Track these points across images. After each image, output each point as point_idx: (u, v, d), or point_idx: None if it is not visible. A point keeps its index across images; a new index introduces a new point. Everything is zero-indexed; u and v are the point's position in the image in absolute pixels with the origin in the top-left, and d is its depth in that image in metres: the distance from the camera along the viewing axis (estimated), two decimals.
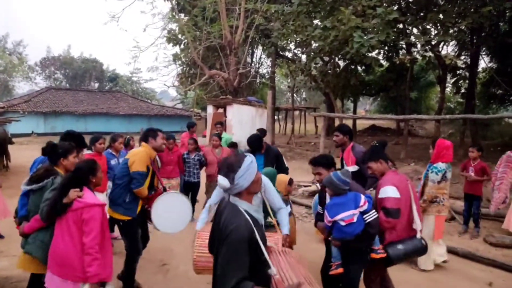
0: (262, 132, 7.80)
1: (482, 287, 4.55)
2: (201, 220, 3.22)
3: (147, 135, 3.98)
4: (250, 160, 2.04)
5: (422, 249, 3.36)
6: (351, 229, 2.98)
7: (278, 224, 3.12)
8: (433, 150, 4.99)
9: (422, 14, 14.00)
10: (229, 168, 1.99)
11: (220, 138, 7.05)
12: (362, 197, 3.06)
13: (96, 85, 49.98)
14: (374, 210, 3.06)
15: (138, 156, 3.85)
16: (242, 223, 1.90)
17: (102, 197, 4.02)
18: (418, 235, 3.35)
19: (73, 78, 48.44)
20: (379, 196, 3.32)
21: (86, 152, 5.43)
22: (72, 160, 3.40)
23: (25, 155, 12.12)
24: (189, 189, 6.83)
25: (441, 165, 4.84)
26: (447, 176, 4.94)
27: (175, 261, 5.08)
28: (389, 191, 3.24)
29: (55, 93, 31.59)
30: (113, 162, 5.53)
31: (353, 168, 4.32)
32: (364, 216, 3.01)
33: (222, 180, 1.96)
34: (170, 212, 3.82)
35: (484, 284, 4.61)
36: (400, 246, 3.23)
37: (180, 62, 24.15)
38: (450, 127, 25.92)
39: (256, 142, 5.18)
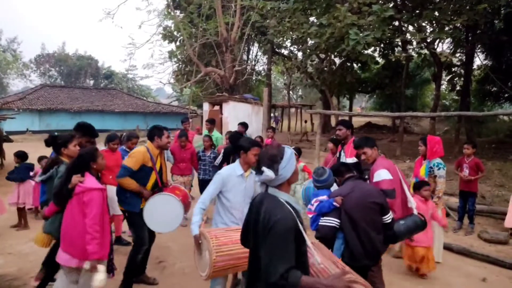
0: (244, 126, 7.91)
1: (476, 283, 4.59)
2: (196, 224, 3.09)
3: (154, 134, 4.03)
4: (290, 151, 2.07)
5: (422, 225, 3.50)
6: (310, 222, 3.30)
7: None
8: (424, 147, 5.11)
9: (417, 11, 14.03)
10: (272, 159, 2.01)
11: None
12: (322, 197, 3.32)
13: (91, 82, 49.76)
14: (329, 218, 3.17)
15: (133, 155, 3.95)
16: (286, 213, 1.91)
17: (115, 191, 4.10)
18: (415, 212, 3.53)
19: (68, 75, 48.19)
20: (374, 180, 3.46)
21: (101, 148, 5.58)
22: (72, 148, 3.71)
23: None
24: (205, 187, 6.75)
25: (440, 160, 4.99)
26: None
27: (172, 258, 5.09)
28: (382, 174, 3.41)
29: (50, 90, 31.42)
30: None
31: (351, 160, 4.50)
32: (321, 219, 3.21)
33: (268, 172, 1.97)
34: (161, 212, 3.83)
35: (478, 279, 4.66)
36: (401, 222, 3.40)
37: (176, 59, 24.06)
38: (445, 124, 26.06)
39: (235, 139, 5.25)
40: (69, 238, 3.14)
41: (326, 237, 3.14)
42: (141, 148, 4.05)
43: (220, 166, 5.48)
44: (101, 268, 3.06)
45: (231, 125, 15.34)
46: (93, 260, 3.01)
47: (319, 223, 3.21)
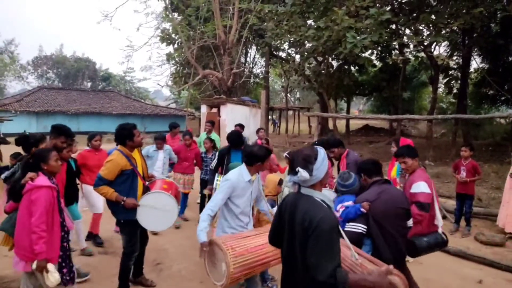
0: (241, 127, 7.96)
1: (473, 285, 4.61)
2: (203, 231, 3.04)
3: (123, 137, 3.79)
4: (323, 152, 2.09)
5: (443, 243, 3.60)
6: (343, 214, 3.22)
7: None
8: (396, 149, 5.21)
9: (414, 15, 14.12)
10: (307, 160, 2.02)
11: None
12: (345, 203, 3.25)
13: (89, 84, 49.69)
14: (356, 224, 3.11)
15: (106, 165, 3.71)
16: (327, 213, 1.93)
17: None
18: (440, 230, 3.63)
19: (66, 78, 48.11)
20: (412, 190, 3.48)
21: (85, 148, 5.59)
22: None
23: None
24: (205, 187, 6.78)
25: None
26: None
27: (169, 260, 5.08)
28: (421, 186, 3.45)
29: (47, 92, 31.35)
30: None
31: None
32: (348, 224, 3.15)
33: (303, 173, 1.97)
34: (154, 211, 3.74)
35: (475, 281, 4.67)
36: (425, 239, 3.48)
37: (173, 61, 24.10)
38: (442, 127, 26.15)
39: (237, 139, 5.25)
40: (16, 239, 3.09)
41: (353, 242, 3.10)
42: (113, 154, 3.76)
43: (215, 169, 5.46)
44: (51, 267, 2.99)
45: (229, 127, 15.34)
46: (41, 260, 2.94)
47: (345, 229, 3.09)
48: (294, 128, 28.17)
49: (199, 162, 6.82)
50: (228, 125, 15.74)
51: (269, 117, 25.32)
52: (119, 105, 31.99)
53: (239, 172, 3.33)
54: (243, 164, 3.40)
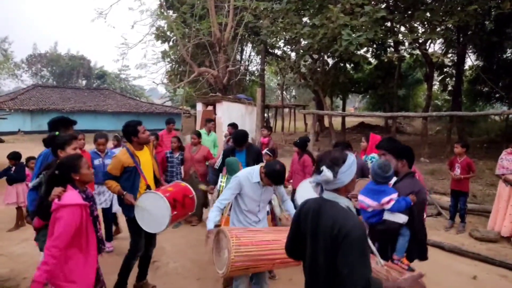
0: (234, 127, 7.84)
1: (467, 281, 4.65)
2: (213, 219, 3.15)
3: (129, 134, 3.86)
4: (353, 159, 2.03)
5: None
6: (368, 215, 3.22)
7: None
8: (366, 143, 5.72)
9: (409, 12, 14.15)
10: (334, 161, 1.96)
11: (199, 136, 6.73)
12: (392, 195, 3.13)
13: (84, 82, 49.41)
14: (399, 214, 3.08)
15: (112, 161, 3.92)
16: (356, 220, 1.87)
17: None
18: None
19: (60, 76, 47.83)
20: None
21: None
22: (70, 152, 3.23)
23: None
24: None
25: (375, 155, 5.27)
26: None
27: (165, 258, 5.09)
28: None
29: (42, 90, 31.17)
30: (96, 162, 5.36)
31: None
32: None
33: (327, 172, 1.92)
34: (149, 212, 3.67)
35: (469, 277, 4.71)
36: None
37: (169, 59, 23.97)
38: (437, 124, 26.28)
39: (242, 138, 5.19)
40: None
41: (391, 232, 3.11)
42: (120, 151, 3.96)
43: (220, 169, 5.37)
44: None
45: (225, 125, 15.32)
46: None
47: (386, 218, 3.10)
48: (290, 126, 28.17)
49: (164, 164, 6.44)
50: (224, 123, 15.72)
51: (265, 115, 25.29)
52: (114, 103, 31.87)
53: (249, 172, 3.38)
54: (258, 165, 3.43)
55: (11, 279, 4.33)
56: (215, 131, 9.14)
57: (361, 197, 3.34)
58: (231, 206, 3.88)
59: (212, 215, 3.22)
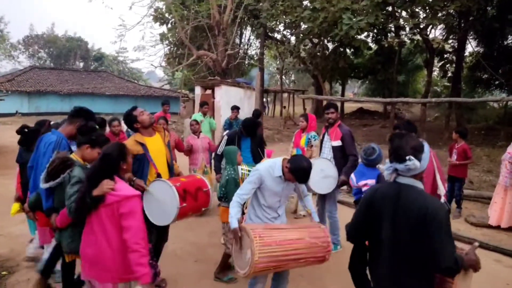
0: (237, 110, 8.09)
1: None
2: (235, 216, 2.96)
3: (130, 121, 3.73)
4: (426, 145, 2.23)
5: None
6: (354, 191, 3.87)
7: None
8: (305, 123, 5.91)
9: None
10: (417, 149, 2.07)
11: (198, 123, 6.40)
12: (369, 180, 3.71)
13: (81, 64, 48.95)
14: None
15: None
16: (439, 202, 2.04)
17: None
18: (442, 200, 3.88)
19: (58, 57, 47.33)
20: None
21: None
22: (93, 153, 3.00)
23: (9, 135, 11.91)
24: None
25: (315, 133, 5.91)
26: None
27: None
28: None
29: (39, 72, 30.86)
30: None
31: (337, 143, 4.71)
32: None
33: (416, 161, 2.02)
34: (157, 202, 3.47)
35: None
36: None
37: (167, 42, 23.74)
38: (436, 111, 26.24)
39: (251, 127, 5.00)
40: (95, 261, 2.53)
41: None
42: (129, 138, 3.83)
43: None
44: None
45: (223, 109, 15.29)
46: (146, 284, 2.41)
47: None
48: (288, 111, 28.08)
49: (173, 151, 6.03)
50: (222, 107, 15.67)
51: (264, 99, 25.21)
52: (112, 85, 31.61)
53: (270, 165, 3.15)
54: (280, 158, 3.20)
55: (11, 259, 4.37)
56: (213, 115, 9.10)
57: (351, 175, 3.97)
58: (226, 197, 3.77)
59: (233, 212, 3.00)
